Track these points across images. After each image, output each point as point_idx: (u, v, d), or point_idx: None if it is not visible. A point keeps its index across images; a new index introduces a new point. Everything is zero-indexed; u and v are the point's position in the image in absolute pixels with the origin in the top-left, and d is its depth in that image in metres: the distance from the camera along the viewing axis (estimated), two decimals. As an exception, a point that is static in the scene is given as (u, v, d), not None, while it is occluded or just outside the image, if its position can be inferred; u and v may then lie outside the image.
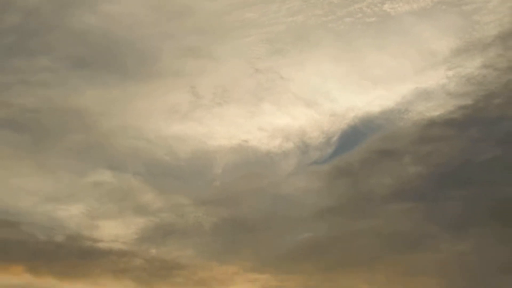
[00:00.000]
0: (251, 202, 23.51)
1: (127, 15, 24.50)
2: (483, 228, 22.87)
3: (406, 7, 24.33)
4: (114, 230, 22.36)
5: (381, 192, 23.24)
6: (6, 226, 21.20)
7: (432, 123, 24.02)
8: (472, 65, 24.50)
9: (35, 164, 23.44)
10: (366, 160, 24.14)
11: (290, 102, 25.29)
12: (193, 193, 23.40)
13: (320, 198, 23.24)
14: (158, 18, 24.79)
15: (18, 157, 23.14)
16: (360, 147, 24.77)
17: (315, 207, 22.94)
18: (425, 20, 25.12)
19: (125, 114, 24.53)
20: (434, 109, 24.24)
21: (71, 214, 22.38)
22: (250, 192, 23.65)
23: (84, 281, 21.92)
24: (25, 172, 22.83)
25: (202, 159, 24.47)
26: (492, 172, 23.37)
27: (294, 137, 24.45)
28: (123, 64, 24.72)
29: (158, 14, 24.96)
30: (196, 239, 22.80)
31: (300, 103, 25.25)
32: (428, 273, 22.47)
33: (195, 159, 24.26)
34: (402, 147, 24.19)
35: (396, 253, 22.82)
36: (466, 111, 24.08)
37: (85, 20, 24.70)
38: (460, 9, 24.44)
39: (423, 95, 24.86)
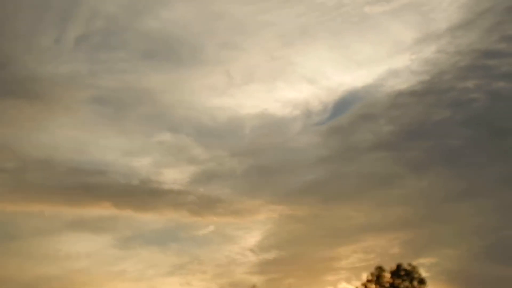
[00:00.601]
0: (270, 153, 27.22)
1: (180, 18, 27.27)
2: (437, 169, 25.96)
3: (380, 9, 26.87)
4: (173, 175, 25.92)
5: (363, 144, 26.57)
6: (97, 173, 24.91)
7: (400, 94, 27.01)
8: (429, 51, 27.08)
9: (116, 128, 26.80)
10: (352, 122, 27.45)
11: (297, 80, 28.84)
12: (229, 147, 27.29)
13: (319, 150, 26.78)
14: (203, 20, 27.39)
15: (104, 124, 26.75)
16: (348, 112, 28.04)
17: (316, 156, 26.42)
18: (394, 18, 27.73)
19: (180, 91, 28.11)
20: (401, 84, 27.17)
21: (143, 164, 26.13)
22: (269, 146, 27.33)
23: (153, 212, 25.37)
24: (109, 135, 26.55)
25: (235, 123, 28.31)
26: (443, 128, 26.37)
27: (300, 106, 28.20)
28: (178, 54, 28.04)
29: (203, 17, 27.38)
30: (231, 181, 26.50)
31: (304, 81, 28.74)
32: (398, 203, 25.49)
33: (230, 123, 28.21)
34: (378, 112, 27.34)
35: (375, 189, 25.86)
36: (424, 85, 26.84)
37: (150, 23, 27.22)
38: (420, 9, 27.21)
39: (393, 74, 27.80)
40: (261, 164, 27.82)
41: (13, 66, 27.17)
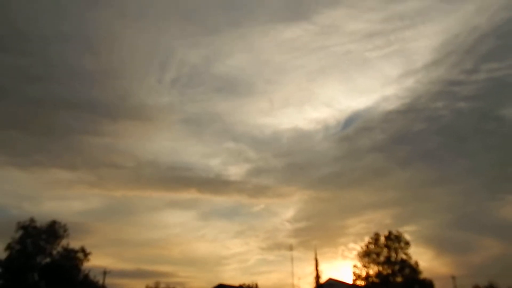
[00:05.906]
0: (301, 154, 35.29)
1: (239, 64, 36.84)
2: (417, 164, 32.76)
3: (376, 54, 36.32)
4: (235, 171, 34.54)
5: (364, 148, 34.61)
6: (186, 170, 33.39)
7: (389, 112, 34.36)
8: (409, 82, 34.95)
9: (197, 139, 35.66)
10: (357, 132, 35.72)
11: (318, 105, 38.21)
12: (272, 150, 35.83)
13: (334, 152, 35.07)
14: (254, 65, 37.11)
15: (190, 136, 36.02)
16: (354, 126, 36.70)
17: (332, 156, 34.71)
18: (385, 60, 36.59)
19: (239, 113, 37.55)
20: (390, 105, 34.81)
21: (215, 163, 34.89)
22: (300, 149, 35.50)
23: (224, 196, 34.15)
24: (193, 143, 35.90)
25: (276, 134, 37.13)
26: (421, 136, 33.30)
27: (321, 122, 37.41)
28: (238, 89, 37.21)
29: (254, 63, 36.85)
30: (275, 173, 34.76)
31: (324, 105, 38.21)
32: (390, 188, 32.07)
33: (273, 134, 36.82)
34: (374, 125, 35.87)
35: (373, 179, 32.81)
36: (406, 106, 34.46)
37: (220, 68, 37.11)
38: (403, 53, 35.57)
39: (385, 99, 36.19)
40: (294, 162, 36.28)
41: (131, 98, 37.05)
